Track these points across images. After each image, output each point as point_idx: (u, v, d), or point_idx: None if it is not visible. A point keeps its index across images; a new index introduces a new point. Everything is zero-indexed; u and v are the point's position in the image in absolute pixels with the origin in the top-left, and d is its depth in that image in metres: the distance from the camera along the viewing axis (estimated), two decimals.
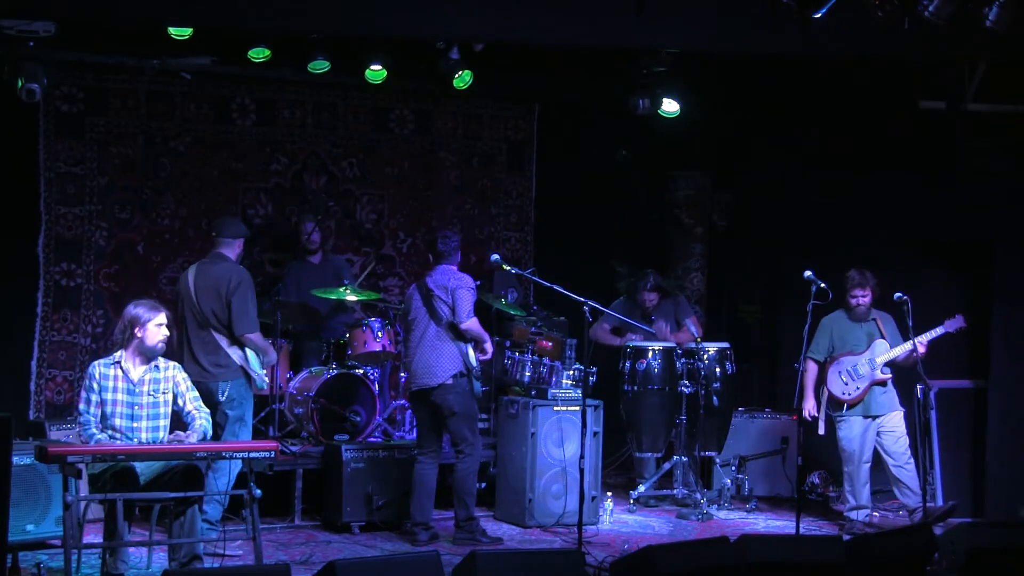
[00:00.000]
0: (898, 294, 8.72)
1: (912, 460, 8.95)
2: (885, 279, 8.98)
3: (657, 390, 9.53)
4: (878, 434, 8.92)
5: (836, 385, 8.89)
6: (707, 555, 6.61)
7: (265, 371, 8.35)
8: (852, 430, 8.89)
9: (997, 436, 9.46)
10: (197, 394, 7.35)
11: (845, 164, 10.31)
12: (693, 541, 7.66)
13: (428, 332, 8.31)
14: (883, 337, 8.84)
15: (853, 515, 8.96)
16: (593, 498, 8.91)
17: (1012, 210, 9.43)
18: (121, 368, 7.08)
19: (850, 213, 10.26)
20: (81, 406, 7.09)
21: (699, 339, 9.51)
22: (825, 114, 10.40)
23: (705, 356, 9.52)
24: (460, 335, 8.30)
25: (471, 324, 8.31)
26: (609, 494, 9.32)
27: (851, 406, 8.87)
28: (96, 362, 7.16)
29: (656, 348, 9.57)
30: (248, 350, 8.17)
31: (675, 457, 9.59)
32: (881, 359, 8.82)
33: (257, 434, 9.06)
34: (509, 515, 9.01)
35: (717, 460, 9.91)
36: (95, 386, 7.03)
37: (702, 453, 9.63)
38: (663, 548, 6.62)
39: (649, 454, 9.71)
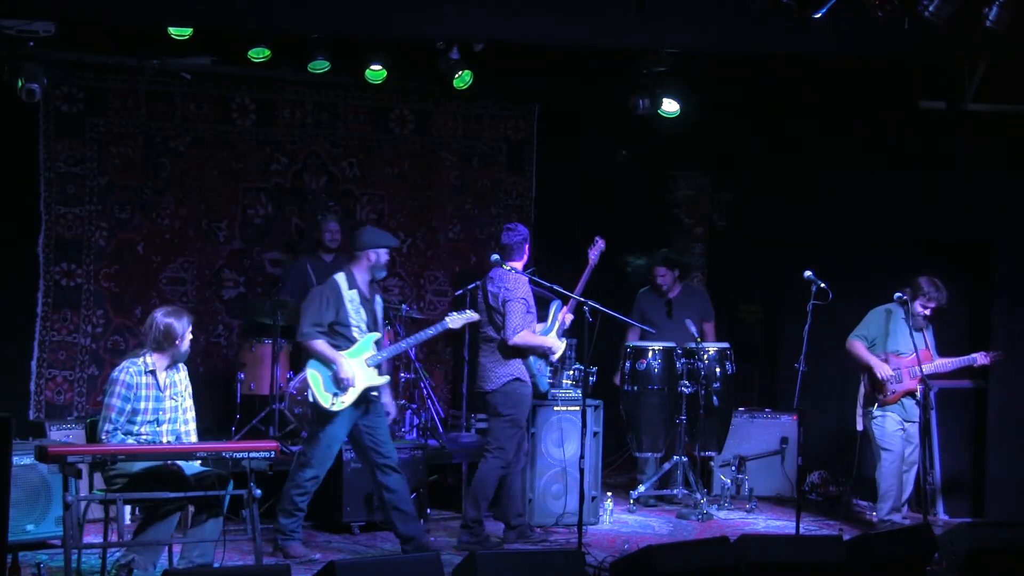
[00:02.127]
0: (898, 294, 8.72)
1: (914, 474, 8.84)
2: (885, 279, 8.97)
3: (657, 390, 9.52)
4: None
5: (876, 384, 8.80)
6: (707, 555, 6.61)
7: (333, 391, 7.69)
8: (888, 426, 8.76)
9: (997, 436, 9.46)
10: (191, 403, 7.25)
11: (845, 164, 10.31)
12: (693, 541, 7.65)
13: (486, 335, 8.24)
14: (927, 347, 8.71)
15: (894, 517, 8.77)
16: (593, 498, 8.90)
17: (1012, 210, 9.43)
18: (154, 376, 7.01)
19: (850, 213, 10.26)
20: (113, 415, 6.87)
21: (699, 339, 9.50)
22: (825, 114, 10.41)
23: (705, 356, 9.51)
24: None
25: (518, 340, 8.12)
26: (609, 494, 9.32)
27: (883, 406, 8.79)
28: (127, 367, 6.96)
29: (656, 348, 9.56)
30: (313, 363, 7.75)
31: (675, 457, 9.58)
32: (925, 368, 8.62)
33: (257, 434, 9.07)
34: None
35: (717, 460, 9.92)
36: (130, 395, 6.91)
37: (702, 453, 9.63)
38: (663, 548, 6.61)
39: (649, 454, 9.71)
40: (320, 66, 9.35)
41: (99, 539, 7.15)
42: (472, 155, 11.07)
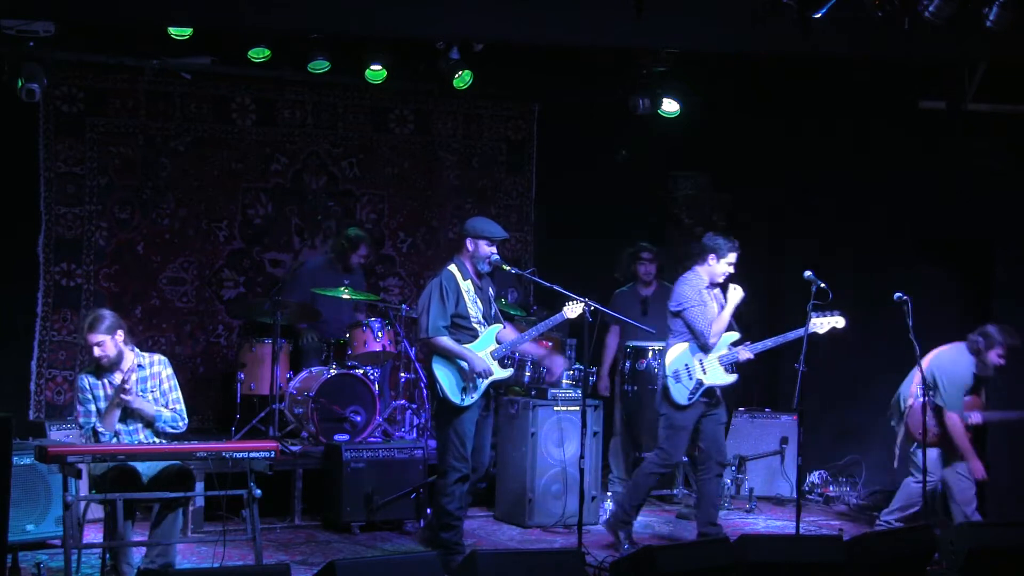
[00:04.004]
0: (898, 294, 8.69)
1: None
2: (885, 279, 8.96)
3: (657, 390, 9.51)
4: None
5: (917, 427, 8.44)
6: (707, 555, 6.61)
7: (462, 386, 7.60)
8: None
9: (997, 437, 9.44)
10: (178, 394, 7.23)
11: (845, 164, 10.31)
12: (693, 541, 7.67)
13: None
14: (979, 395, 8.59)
15: (892, 517, 8.71)
16: (593, 498, 8.90)
17: (1012, 210, 9.43)
18: (100, 377, 7.07)
19: (850, 213, 10.25)
20: (82, 419, 7.08)
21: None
22: (825, 114, 10.40)
23: None
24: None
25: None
26: (609, 494, 9.32)
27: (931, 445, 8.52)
28: (83, 374, 7.16)
29: (656, 348, 9.53)
30: (438, 360, 7.62)
31: None
32: (979, 417, 8.54)
33: (257, 434, 9.07)
34: (509, 515, 9.01)
35: None
36: (89, 396, 7.04)
37: None
38: (663, 548, 6.62)
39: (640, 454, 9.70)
40: (320, 66, 9.35)
41: (99, 539, 7.16)
42: (472, 155, 11.08)
